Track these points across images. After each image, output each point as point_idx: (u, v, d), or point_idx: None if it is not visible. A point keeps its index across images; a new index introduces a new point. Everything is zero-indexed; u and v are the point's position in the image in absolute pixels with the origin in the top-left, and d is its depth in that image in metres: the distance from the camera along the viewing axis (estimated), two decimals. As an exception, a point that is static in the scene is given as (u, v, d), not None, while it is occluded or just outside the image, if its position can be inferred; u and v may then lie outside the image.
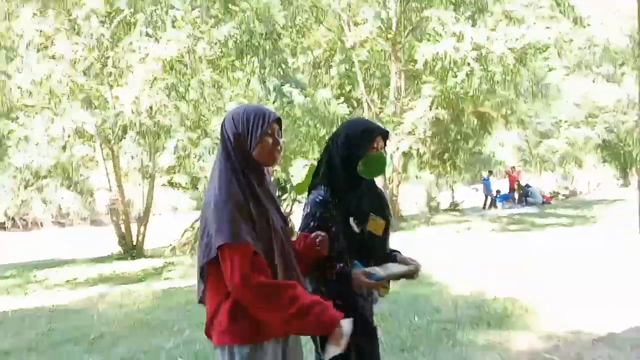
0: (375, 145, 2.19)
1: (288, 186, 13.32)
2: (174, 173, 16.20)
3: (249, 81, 14.61)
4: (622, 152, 23.32)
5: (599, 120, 21.77)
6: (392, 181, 15.05)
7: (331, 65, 16.48)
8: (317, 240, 1.97)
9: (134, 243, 12.55)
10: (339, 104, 13.86)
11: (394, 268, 2.21)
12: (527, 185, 19.88)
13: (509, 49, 10.41)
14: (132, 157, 10.47)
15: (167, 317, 6.02)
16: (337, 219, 2.13)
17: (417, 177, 22.62)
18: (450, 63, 10.69)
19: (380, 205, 2.29)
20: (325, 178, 2.19)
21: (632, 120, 21.99)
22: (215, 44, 9.87)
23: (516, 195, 19.87)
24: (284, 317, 1.68)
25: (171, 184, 26.66)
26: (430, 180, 22.87)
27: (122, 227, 12.47)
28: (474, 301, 5.48)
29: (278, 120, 1.88)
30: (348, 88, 17.81)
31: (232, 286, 1.67)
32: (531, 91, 12.59)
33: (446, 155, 16.42)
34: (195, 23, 9.85)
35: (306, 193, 2.27)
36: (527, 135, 25.06)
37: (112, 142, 10.93)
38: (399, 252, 2.40)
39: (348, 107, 16.98)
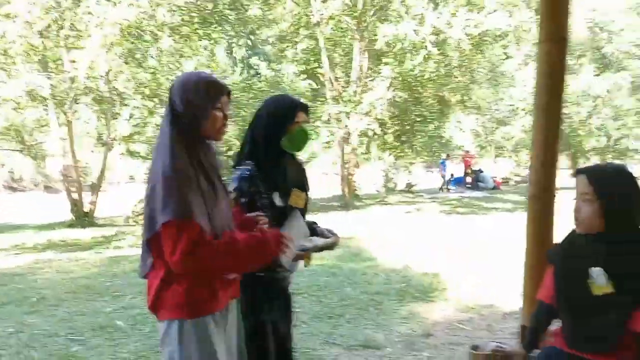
0: (297, 120, 2.22)
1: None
2: (133, 142, 16.02)
3: (212, 51, 14.50)
4: (573, 142, 24.13)
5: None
6: (349, 161, 15.26)
7: (297, 41, 16.45)
8: (260, 223, 1.99)
9: (86, 211, 12.43)
10: (302, 79, 13.89)
11: (317, 241, 2.31)
12: (480, 170, 20.49)
13: (467, 35, 10.65)
14: (86, 123, 10.24)
15: (110, 283, 6.13)
16: (262, 194, 2.19)
17: (379, 157, 23.03)
18: (409, 45, 10.87)
19: (302, 179, 2.37)
20: (250, 154, 2.23)
21: (586, 112, 22.80)
22: (176, 11, 9.66)
23: (469, 180, 20.45)
24: (230, 269, 1.77)
25: (130, 152, 26.24)
26: (390, 162, 23.35)
27: (75, 194, 12.33)
28: (404, 275, 5.80)
29: (228, 94, 1.82)
30: (313, 65, 17.87)
31: (171, 263, 1.64)
32: (486, 78, 12.92)
33: (404, 137, 16.70)
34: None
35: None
36: (484, 122, 25.81)
37: (67, 106, 10.71)
38: (316, 223, 2.48)
39: (314, 83, 17.09)
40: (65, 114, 10.97)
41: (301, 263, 2.38)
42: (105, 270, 7.13)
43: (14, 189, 25.24)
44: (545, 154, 2.48)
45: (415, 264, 6.45)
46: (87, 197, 12.77)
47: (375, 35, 12.23)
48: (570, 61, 24.03)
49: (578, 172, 2.07)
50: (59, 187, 18.65)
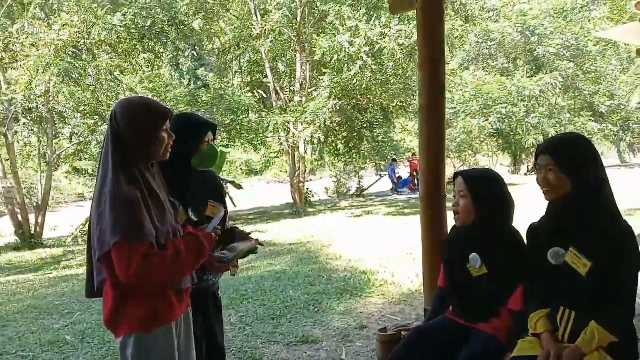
0: (206, 140, 2.34)
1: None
2: (79, 160, 15.80)
3: (153, 66, 14.55)
4: (513, 140, 25.27)
5: (492, 110, 23.45)
6: (299, 169, 15.58)
7: (240, 54, 16.70)
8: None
9: (32, 232, 12.24)
10: (247, 91, 14.15)
11: (239, 246, 2.41)
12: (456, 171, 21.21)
13: (399, 45, 11.22)
14: (25, 145, 10.12)
15: (59, 302, 6.20)
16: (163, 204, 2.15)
17: (332, 164, 23.51)
18: (345, 56, 11.32)
19: (217, 191, 2.54)
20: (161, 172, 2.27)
21: (523, 112, 23.94)
22: (112, 29, 9.75)
23: (416, 181, 21.16)
24: (180, 274, 1.86)
25: (76, 170, 25.65)
26: (340, 168, 23.89)
27: (19, 216, 12.12)
28: (344, 276, 6.15)
29: (171, 116, 1.91)
30: (257, 76, 18.17)
31: (127, 278, 1.69)
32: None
33: (351, 144, 17.16)
34: (91, 8, 9.71)
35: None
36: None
37: (6, 128, 10.59)
38: (236, 227, 2.65)
39: (258, 95, 17.37)
40: (4, 135, 10.83)
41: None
42: (54, 291, 7.15)
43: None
44: (431, 160, 2.84)
45: (357, 264, 6.83)
46: (33, 218, 12.58)
47: (314, 46, 12.66)
48: (506, 64, 25.28)
49: (456, 175, 2.49)
50: (3, 210, 18.17)
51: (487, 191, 2.40)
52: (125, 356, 1.81)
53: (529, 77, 24.90)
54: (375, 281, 5.72)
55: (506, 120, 23.56)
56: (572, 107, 25.40)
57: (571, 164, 2.03)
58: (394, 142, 29.45)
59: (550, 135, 24.94)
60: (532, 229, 2.25)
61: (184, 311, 1.98)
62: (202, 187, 2.42)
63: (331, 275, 6.19)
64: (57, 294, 6.84)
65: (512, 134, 24.71)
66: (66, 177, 28.99)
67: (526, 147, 25.06)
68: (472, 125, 23.63)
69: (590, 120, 24.66)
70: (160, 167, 2.19)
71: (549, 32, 24.85)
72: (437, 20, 2.84)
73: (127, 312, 1.79)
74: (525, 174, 26.58)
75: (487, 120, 23.44)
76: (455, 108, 24.78)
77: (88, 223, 1.88)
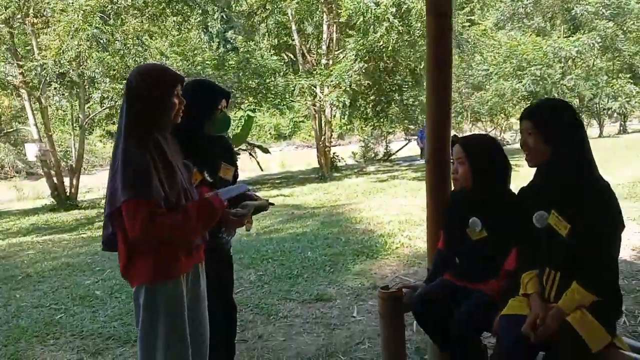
0: (220, 107, 2.45)
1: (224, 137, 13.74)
2: (112, 124, 16.18)
3: (180, 29, 14.63)
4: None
5: (526, 72, 22.82)
6: (325, 133, 15.61)
7: (267, 15, 16.58)
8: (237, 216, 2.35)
9: (67, 194, 12.72)
10: (271, 55, 14.13)
11: (250, 203, 2.53)
12: (454, 136, 20.91)
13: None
14: (57, 109, 10.44)
15: (91, 259, 6.53)
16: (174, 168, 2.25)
17: (361, 128, 23.42)
18: (371, 18, 11.13)
19: (229, 154, 2.66)
20: (175, 137, 2.32)
21: (558, 74, 23.20)
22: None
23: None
24: (188, 235, 1.95)
25: (110, 134, 26.30)
26: (368, 132, 23.78)
27: (55, 178, 12.59)
28: (362, 238, 6.27)
29: (182, 81, 2.00)
30: (285, 38, 18.05)
31: (133, 237, 1.83)
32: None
33: (379, 108, 17.02)
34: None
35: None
36: (460, 88, 26.20)
37: (39, 93, 10.92)
38: (248, 189, 2.83)
39: (286, 57, 17.28)
40: (38, 100, 11.17)
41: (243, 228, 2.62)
42: (87, 250, 7.51)
43: (-5, 177, 25.31)
44: (437, 120, 2.85)
45: (376, 227, 6.94)
46: (68, 181, 13.06)
47: (340, 8, 12.48)
48: (542, 24, 24.37)
49: (454, 142, 2.53)
50: (40, 172, 18.89)
51: (485, 157, 2.44)
52: (137, 305, 1.95)
53: (566, 37, 24.05)
54: (392, 244, 5.82)
55: (541, 83, 22.94)
56: (611, 68, 24.44)
57: (549, 129, 2.07)
58: (420, 107, 29.13)
59: (586, 98, 24.33)
60: (520, 194, 2.30)
61: (192, 266, 2.07)
62: (214, 149, 2.53)
63: (349, 238, 6.32)
64: (90, 252, 7.18)
65: (546, 96, 24.06)
66: (100, 140, 29.81)
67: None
68: (505, 88, 23.11)
69: (629, 82, 23.79)
70: (174, 131, 2.30)
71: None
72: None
73: (137, 264, 1.91)
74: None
75: (521, 82, 22.89)
76: (488, 70, 24.24)
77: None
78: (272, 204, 2.76)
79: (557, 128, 2.08)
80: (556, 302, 2.06)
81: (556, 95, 23.58)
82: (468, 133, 25.70)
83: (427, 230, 2.93)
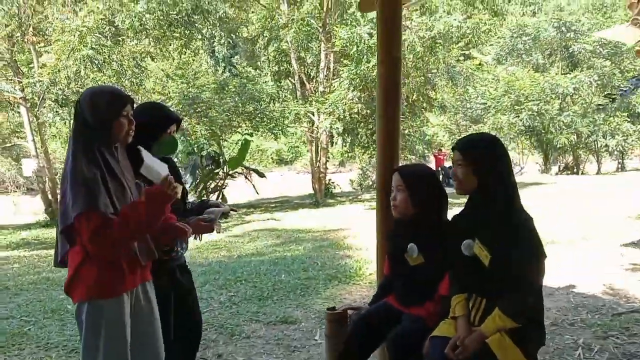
0: (169, 130, 2.54)
1: (221, 160, 13.86)
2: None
3: (181, 53, 14.97)
4: (544, 139, 24.77)
5: (524, 107, 23.07)
6: (320, 159, 15.76)
7: (267, 42, 16.93)
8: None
9: (61, 210, 12.82)
10: (268, 81, 14.40)
11: (215, 210, 2.67)
12: (450, 167, 21.07)
13: (419, 38, 11.22)
14: (50, 126, 10.65)
15: (71, 274, 6.58)
16: (141, 186, 2.36)
17: (360, 157, 23.57)
18: (364, 48, 11.39)
19: (176, 174, 2.63)
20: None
21: (555, 110, 23.42)
22: (135, 16, 10.14)
23: (440, 176, 21.08)
24: (139, 230, 1.99)
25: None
26: (365, 160, 23.90)
27: (49, 194, 12.71)
28: (338, 263, 6.33)
29: (131, 102, 2.09)
30: (285, 65, 18.38)
31: (88, 248, 1.90)
32: (443, 78, 13.50)
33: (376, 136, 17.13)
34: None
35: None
36: (458, 120, 26.49)
37: (37, 109, 11.15)
38: (209, 200, 2.91)
39: (291, 83, 17.56)
40: (36, 116, 11.39)
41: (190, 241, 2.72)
42: (71, 265, 7.58)
43: (-6, 192, 25.43)
44: (386, 154, 2.98)
45: (355, 252, 7.00)
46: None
47: (335, 37, 12.80)
48: (541, 60, 24.64)
49: (394, 170, 2.64)
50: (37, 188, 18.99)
51: (422, 185, 2.55)
52: (79, 321, 1.98)
53: (564, 74, 24.34)
54: (366, 269, 5.88)
55: (538, 118, 23.16)
56: (608, 106, 24.63)
57: (476, 161, 2.18)
58: (427, 137, 29.31)
59: (583, 134, 24.48)
60: (451, 222, 2.39)
61: (137, 284, 2.10)
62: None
63: (326, 263, 6.38)
64: (72, 268, 7.24)
65: (543, 132, 24.27)
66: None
67: (558, 146, 24.54)
68: (502, 122, 23.33)
69: (625, 120, 23.96)
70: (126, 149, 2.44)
71: (586, 28, 24.17)
72: (394, 20, 2.96)
73: (81, 279, 1.95)
74: (557, 174, 26.02)
75: (518, 117, 23.10)
76: (486, 103, 24.52)
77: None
78: (235, 210, 2.88)
79: (483, 160, 2.19)
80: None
81: (553, 130, 23.76)
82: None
83: (377, 255, 3.03)
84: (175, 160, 2.58)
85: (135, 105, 2.22)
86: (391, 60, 2.95)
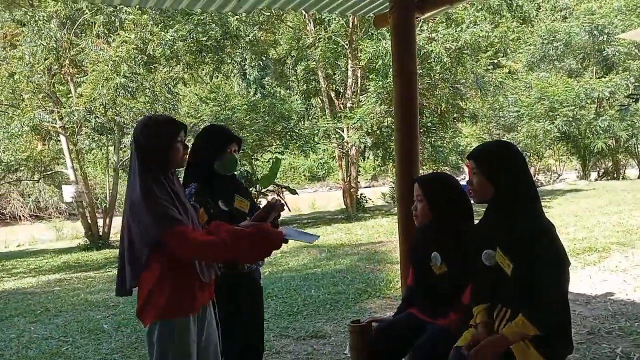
0: (230, 150, 2.71)
1: (253, 179, 14.07)
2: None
3: (212, 77, 15.34)
4: (581, 145, 24.15)
5: (558, 113, 22.60)
6: (350, 174, 15.77)
7: (296, 62, 17.16)
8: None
9: (100, 234, 13.20)
10: (296, 100, 14.56)
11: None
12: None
13: (446, 49, 11.19)
14: (86, 152, 11.04)
15: (108, 296, 6.77)
16: (209, 203, 2.64)
17: (392, 170, 23.50)
18: (390, 61, 11.38)
19: (243, 189, 2.89)
20: (192, 175, 2.71)
21: (592, 114, 22.84)
22: (165, 44, 10.50)
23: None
24: (235, 257, 2.16)
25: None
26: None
27: (89, 219, 13.12)
28: (368, 277, 6.30)
29: (185, 128, 2.18)
30: (313, 83, 18.57)
31: (190, 257, 2.02)
32: (472, 88, 13.39)
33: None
34: (147, 25, 10.48)
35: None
36: (491, 129, 26.10)
37: (75, 137, 11.60)
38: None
39: (322, 101, 17.73)
40: (74, 144, 11.84)
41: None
42: (110, 287, 7.77)
43: (39, 218, 26.37)
44: (405, 166, 2.99)
45: (386, 266, 6.95)
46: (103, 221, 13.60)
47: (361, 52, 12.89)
48: (574, 65, 24.18)
49: (412, 181, 2.65)
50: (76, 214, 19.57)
51: (441, 195, 2.54)
52: (150, 343, 2.04)
53: (599, 78, 23.75)
54: (397, 283, 5.82)
55: (574, 124, 22.62)
56: (631, 106, 23.83)
57: (491, 169, 2.16)
58: (460, 147, 28.98)
59: (622, 138, 23.77)
60: (471, 231, 2.38)
61: (206, 302, 2.18)
62: (229, 184, 2.79)
63: (355, 277, 6.36)
64: (110, 289, 7.43)
65: (580, 137, 23.67)
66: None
67: (596, 151, 23.85)
68: (537, 129, 22.87)
69: (667, 122, 23.13)
70: (192, 170, 2.71)
71: (620, 30, 23.55)
72: (408, 35, 2.99)
73: (153, 301, 2.01)
74: (596, 179, 25.25)
75: (553, 123, 22.61)
76: (519, 111, 24.12)
77: (121, 227, 2.10)
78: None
79: (498, 169, 2.17)
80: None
81: (590, 136, 23.14)
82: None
83: (401, 267, 3.02)
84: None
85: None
86: (406, 74, 2.98)
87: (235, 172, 2.90)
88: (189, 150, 2.56)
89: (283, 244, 2.13)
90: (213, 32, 11.88)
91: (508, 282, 2.11)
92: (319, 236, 2.47)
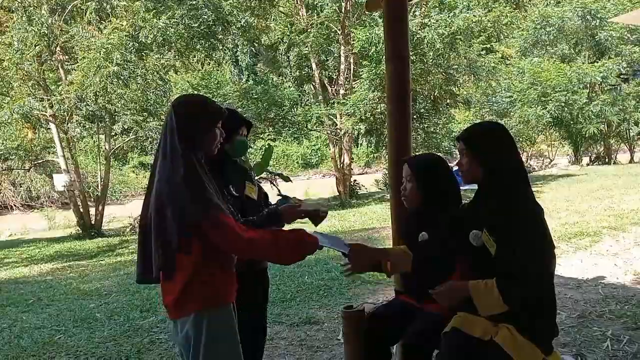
0: (240, 133, 2.67)
1: (246, 167, 14.07)
2: (144, 154, 16.62)
3: (203, 64, 15.21)
4: (574, 130, 24.21)
5: (551, 98, 22.61)
6: (343, 161, 15.76)
7: (287, 48, 17.04)
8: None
9: (92, 223, 13.14)
10: (289, 86, 14.49)
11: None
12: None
13: (439, 35, 11.13)
14: (77, 140, 10.93)
15: (101, 284, 6.76)
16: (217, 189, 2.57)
17: (385, 157, 23.51)
18: (384, 47, 11.31)
19: (249, 176, 2.84)
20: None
21: (584, 99, 22.87)
22: (157, 32, 10.36)
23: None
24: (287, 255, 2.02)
25: (142, 165, 26.97)
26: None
27: (81, 208, 13.04)
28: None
29: (224, 115, 2.08)
30: (306, 70, 18.46)
31: (230, 249, 1.95)
32: (464, 74, 13.35)
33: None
34: (139, 12, 10.33)
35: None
36: (484, 115, 26.10)
37: (66, 125, 11.49)
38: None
39: (314, 88, 17.66)
40: (65, 132, 11.73)
41: None
42: (102, 275, 7.77)
43: (31, 207, 26.22)
44: (398, 150, 2.97)
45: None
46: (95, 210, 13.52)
47: (354, 39, 12.80)
48: (566, 50, 24.13)
49: (402, 161, 2.62)
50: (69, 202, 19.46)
51: (430, 174, 2.53)
52: (197, 331, 1.92)
53: (591, 63, 23.76)
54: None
55: (566, 109, 22.64)
56: (639, 93, 23.89)
57: (480, 150, 2.15)
58: (453, 133, 28.95)
59: (614, 123, 23.86)
60: (459, 212, 2.37)
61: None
62: (239, 170, 2.76)
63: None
64: (104, 277, 7.43)
65: (572, 122, 23.71)
66: (133, 171, 30.74)
67: (587, 135, 23.91)
68: (530, 114, 22.89)
69: (659, 107, 23.23)
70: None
71: (613, 14, 23.51)
72: (400, 18, 2.96)
73: (196, 290, 1.91)
74: (588, 164, 25.36)
75: (546, 108, 22.62)
76: (512, 97, 24.12)
77: (142, 211, 2.01)
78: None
79: (488, 151, 2.15)
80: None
81: (582, 121, 23.19)
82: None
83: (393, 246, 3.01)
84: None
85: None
86: (399, 58, 2.95)
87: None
88: None
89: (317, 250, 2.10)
90: (205, 17, 11.71)
91: (492, 262, 2.11)
92: (350, 246, 2.46)
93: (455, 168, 2.60)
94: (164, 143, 1.94)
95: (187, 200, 1.82)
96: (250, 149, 17.40)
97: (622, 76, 7.37)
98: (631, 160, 25.43)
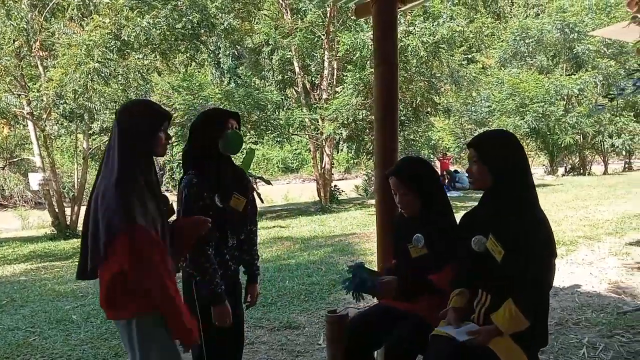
0: (229, 126, 2.46)
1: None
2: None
3: (186, 66, 15.09)
4: (550, 140, 24.66)
5: (529, 109, 23.01)
6: (324, 166, 15.76)
7: (271, 52, 17.00)
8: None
9: (68, 223, 12.89)
10: (271, 90, 14.46)
11: None
12: (455, 171, 21.04)
13: (422, 43, 11.24)
14: (53, 139, 10.71)
15: (77, 286, 6.62)
16: (205, 197, 2.41)
17: (366, 162, 23.60)
18: (368, 53, 11.42)
19: (242, 185, 2.62)
20: (193, 163, 2.48)
21: (561, 111, 23.31)
22: (141, 31, 10.23)
23: (446, 181, 20.99)
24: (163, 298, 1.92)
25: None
26: (371, 166, 23.94)
27: (56, 208, 12.78)
28: (342, 269, 6.31)
29: (170, 118, 2.10)
30: (289, 74, 18.44)
31: (133, 262, 1.85)
32: (446, 82, 13.51)
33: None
34: (123, 10, 10.21)
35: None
36: (463, 124, 26.46)
37: (43, 122, 11.26)
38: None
39: (297, 92, 17.64)
40: (42, 130, 11.51)
41: None
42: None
43: (4, 206, 25.63)
44: (384, 156, 2.99)
45: (358, 258, 6.98)
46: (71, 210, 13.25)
47: (339, 44, 12.85)
48: (545, 62, 24.57)
49: (388, 175, 2.60)
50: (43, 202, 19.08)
51: (424, 183, 2.53)
52: (130, 337, 1.94)
53: (568, 75, 24.27)
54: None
55: (543, 119, 23.06)
56: (614, 106, 24.49)
57: (490, 157, 2.17)
58: (432, 141, 29.22)
59: (589, 135, 24.38)
60: (463, 217, 2.38)
61: None
62: (227, 176, 2.53)
63: (330, 268, 6.38)
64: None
65: (549, 133, 24.15)
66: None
67: (563, 146, 24.36)
68: (508, 124, 23.25)
69: (632, 120, 23.82)
70: (188, 160, 2.52)
71: (590, 28, 24.07)
72: (390, 25, 2.98)
73: (127, 292, 1.90)
74: (563, 175, 25.85)
75: (523, 119, 23.00)
76: (491, 106, 24.49)
77: (86, 210, 2.01)
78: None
79: (498, 159, 2.18)
80: (484, 324, 2.15)
81: (558, 132, 23.63)
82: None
83: (377, 257, 3.03)
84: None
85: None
86: (387, 64, 2.97)
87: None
88: (189, 137, 2.51)
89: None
90: (190, 18, 11.60)
91: (496, 269, 2.13)
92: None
93: (465, 175, 2.64)
94: (108, 146, 1.99)
95: (114, 205, 1.85)
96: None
97: (609, 96, 7.52)
98: (605, 172, 26.00)
